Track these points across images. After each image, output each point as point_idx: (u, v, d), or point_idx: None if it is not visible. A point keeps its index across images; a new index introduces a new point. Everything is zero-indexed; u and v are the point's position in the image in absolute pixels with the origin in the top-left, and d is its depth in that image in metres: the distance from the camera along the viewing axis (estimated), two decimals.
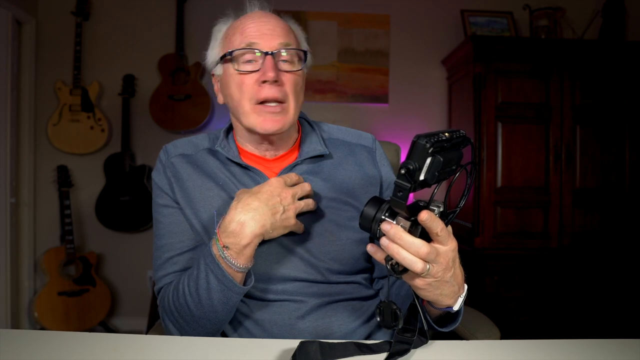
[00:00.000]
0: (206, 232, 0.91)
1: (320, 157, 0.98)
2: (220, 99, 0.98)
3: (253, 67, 0.88)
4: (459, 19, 2.96)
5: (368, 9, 3.05)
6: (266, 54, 0.87)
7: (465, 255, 2.57)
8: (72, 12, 2.86)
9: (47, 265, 2.71)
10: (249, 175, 0.94)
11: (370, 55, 3.04)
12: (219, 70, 0.95)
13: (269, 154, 0.97)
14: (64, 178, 2.79)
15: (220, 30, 0.96)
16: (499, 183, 2.51)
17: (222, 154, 0.95)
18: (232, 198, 0.89)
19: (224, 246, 0.78)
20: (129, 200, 2.84)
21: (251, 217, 0.79)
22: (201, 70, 2.93)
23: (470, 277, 2.75)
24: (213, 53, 0.96)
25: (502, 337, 1.06)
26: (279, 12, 0.95)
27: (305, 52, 0.93)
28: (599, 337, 0.80)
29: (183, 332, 0.86)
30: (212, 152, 0.98)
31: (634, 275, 2.50)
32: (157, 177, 0.97)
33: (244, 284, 0.82)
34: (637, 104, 2.56)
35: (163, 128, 2.89)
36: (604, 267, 2.51)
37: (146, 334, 0.99)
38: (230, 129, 1.02)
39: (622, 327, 2.48)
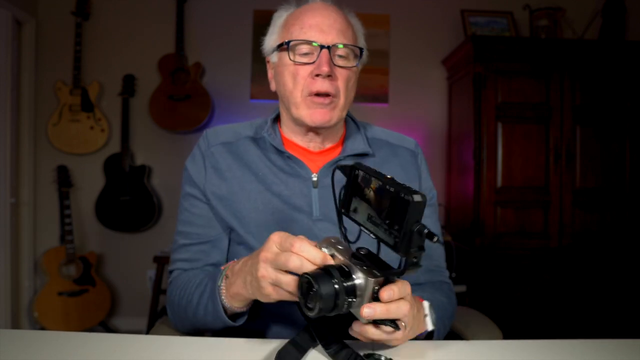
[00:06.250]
0: (242, 226, 0.90)
1: (363, 155, 0.97)
2: (272, 87, 0.98)
3: (308, 60, 0.88)
4: (459, 19, 2.96)
5: (368, 9, 3.04)
6: (322, 47, 0.87)
7: (465, 255, 2.58)
8: (72, 12, 2.86)
9: (47, 265, 2.71)
10: (290, 165, 0.93)
11: (370, 55, 3.03)
12: (274, 57, 0.95)
13: (313, 146, 0.96)
14: (64, 178, 2.79)
15: (280, 17, 0.95)
16: (499, 183, 2.51)
17: (267, 140, 0.94)
18: (270, 191, 0.90)
19: (225, 276, 0.78)
20: (128, 200, 2.84)
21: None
22: (201, 70, 2.93)
23: (470, 277, 2.73)
24: (271, 39, 0.95)
25: (502, 337, 1.06)
26: (340, 4, 0.94)
27: (361, 50, 0.93)
28: (599, 337, 0.80)
29: (176, 322, 0.91)
30: (254, 140, 0.97)
31: (634, 275, 2.50)
32: (192, 167, 0.96)
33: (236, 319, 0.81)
34: (637, 104, 2.56)
35: (163, 128, 2.89)
36: (604, 267, 2.51)
37: (146, 334, 0.99)
38: (276, 119, 1.01)
39: (622, 327, 2.48)
